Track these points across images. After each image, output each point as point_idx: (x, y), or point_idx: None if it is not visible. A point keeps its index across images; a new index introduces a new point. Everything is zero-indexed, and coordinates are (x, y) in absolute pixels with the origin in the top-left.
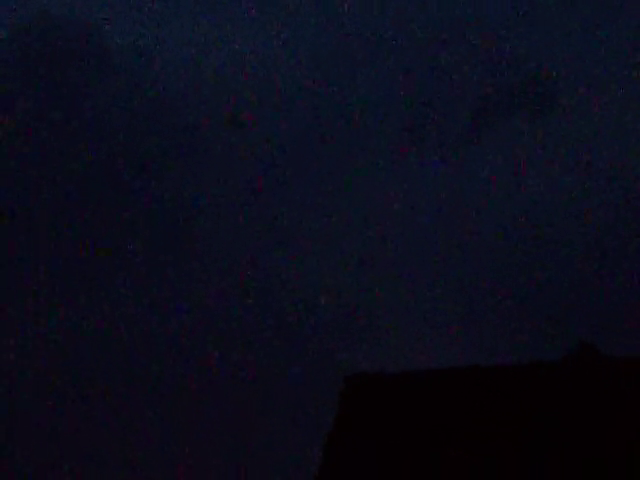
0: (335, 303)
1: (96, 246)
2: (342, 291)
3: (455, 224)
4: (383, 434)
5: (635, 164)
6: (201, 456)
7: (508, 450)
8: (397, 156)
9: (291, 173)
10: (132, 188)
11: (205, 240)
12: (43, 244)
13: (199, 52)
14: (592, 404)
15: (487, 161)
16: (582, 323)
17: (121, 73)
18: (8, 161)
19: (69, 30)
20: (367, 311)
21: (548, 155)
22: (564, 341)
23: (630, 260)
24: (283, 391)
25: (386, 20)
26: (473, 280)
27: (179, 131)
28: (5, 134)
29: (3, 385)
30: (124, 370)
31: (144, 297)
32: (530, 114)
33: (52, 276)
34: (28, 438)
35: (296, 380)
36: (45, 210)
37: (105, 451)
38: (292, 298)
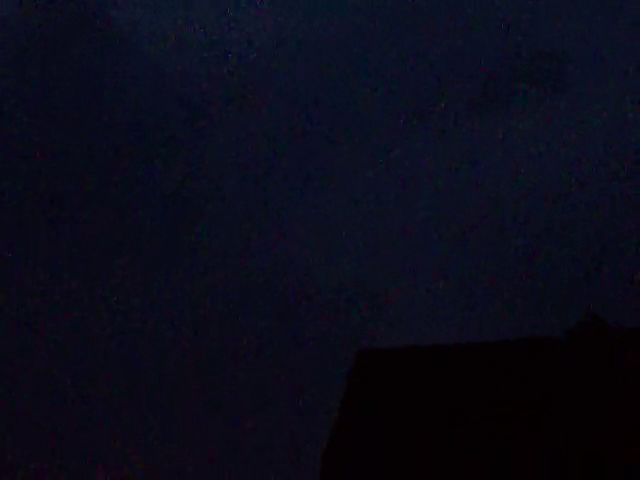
0: (337, 286)
1: (98, 241)
2: (345, 274)
3: (459, 203)
4: (395, 411)
5: None
6: (201, 454)
7: (521, 425)
8: (401, 135)
9: (294, 155)
10: (137, 177)
11: (211, 229)
12: (43, 243)
13: (207, 32)
14: (600, 375)
15: (492, 140)
16: (586, 300)
17: (122, 50)
18: (10, 150)
19: (73, 9)
20: (370, 293)
21: (555, 134)
22: (570, 317)
23: (636, 239)
24: (285, 375)
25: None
26: (476, 260)
27: (186, 113)
28: (5, 122)
29: (3, 385)
30: (124, 367)
31: (145, 296)
32: (537, 92)
33: (52, 275)
34: (28, 438)
35: (298, 363)
36: (44, 205)
37: (105, 451)
38: (297, 281)
